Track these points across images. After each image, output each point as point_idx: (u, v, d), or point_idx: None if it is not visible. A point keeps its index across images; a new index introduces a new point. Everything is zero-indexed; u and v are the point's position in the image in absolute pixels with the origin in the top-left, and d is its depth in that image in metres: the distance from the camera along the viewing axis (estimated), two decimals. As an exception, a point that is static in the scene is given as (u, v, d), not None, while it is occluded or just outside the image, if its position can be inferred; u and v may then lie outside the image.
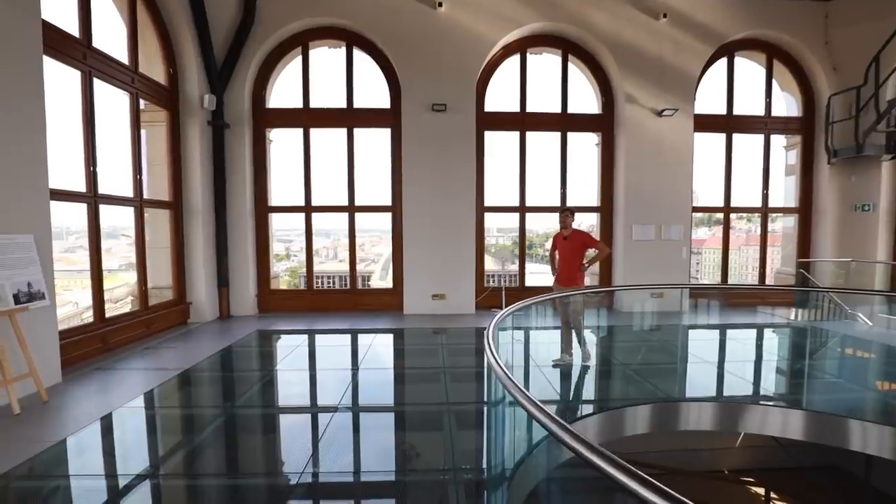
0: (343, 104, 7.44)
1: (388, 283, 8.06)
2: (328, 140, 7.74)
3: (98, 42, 5.01)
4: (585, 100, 8.13)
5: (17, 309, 3.53)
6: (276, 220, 7.97)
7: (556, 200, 7.89)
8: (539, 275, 8.59)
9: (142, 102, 6.11)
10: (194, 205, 6.68)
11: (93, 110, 4.93)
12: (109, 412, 3.50)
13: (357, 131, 7.51)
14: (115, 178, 5.58)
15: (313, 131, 7.53)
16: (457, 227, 7.26)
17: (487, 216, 7.76)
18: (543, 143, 8.32)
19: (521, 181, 7.76)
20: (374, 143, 7.76)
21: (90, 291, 5.00)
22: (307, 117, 7.46)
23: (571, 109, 7.82)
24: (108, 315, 5.17)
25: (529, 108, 7.72)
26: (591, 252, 4.72)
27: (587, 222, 9.92)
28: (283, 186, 7.97)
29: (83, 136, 4.87)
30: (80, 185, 4.86)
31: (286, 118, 7.51)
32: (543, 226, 12.35)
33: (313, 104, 7.47)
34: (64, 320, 5.13)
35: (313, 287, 7.76)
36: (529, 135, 7.75)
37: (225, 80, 6.95)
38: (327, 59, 7.63)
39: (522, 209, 7.81)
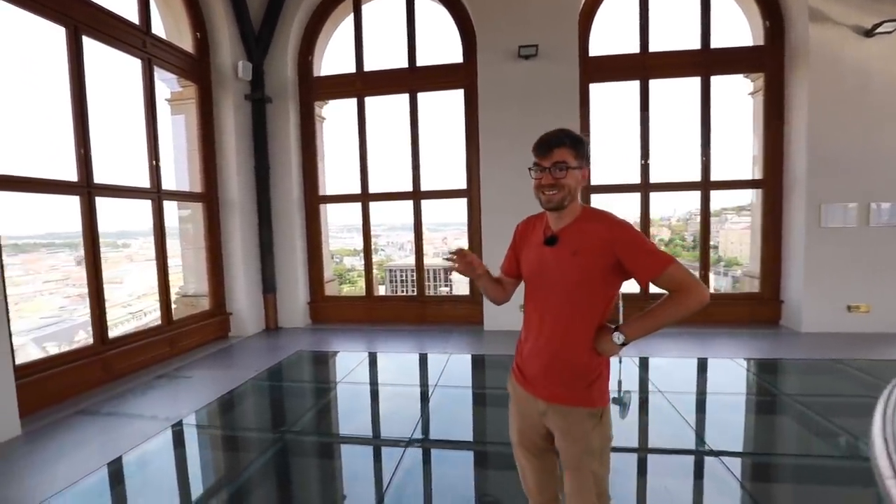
0: (404, 63, 5.89)
1: (466, 290, 6.42)
2: (387, 110, 6.26)
3: (90, -9, 3.93)
4: (735, 29, 5.75)
5: (-85, 347, 2.42)
6: (331, 212, 6.71)
7: (694, 174, 5.64)
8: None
9: (167, 74, 5.08)
10: (231, 196, 5.57)
11: (82, 75, 3.86)
12: (55, 494, 2.27)
13: (422, 97, 5.92)
14: (127, 165, 4.56)
15: (369, 101, 6.08)
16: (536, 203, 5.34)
17: (596, 198, 5.73)
18: (672, 96, 6.09)
19: (643, 149, 5.62)
20: (444, 110, 6.15)
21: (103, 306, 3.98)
22: (361, 83, 6.02)
23: (716, 43, 5.51)
24: (113, 335, 4.13)
25: (654, 47, 5.55)
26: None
27: (733, 200, 7.47)
28: (338, 171, 6.68)
29: (73, 114, 3.82)
30: (72, 174, 3.83)
31: (337, 87, 6.15)
32: (678, 207, 9.99)
33: (368, 67, 6.02)
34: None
35: (373, 293, 6.36)
36: (654, 85, 5.58)
37: (264, 44, 5.74)
38: (383, 11, 6.12)
39: (645, 187, 5.66)
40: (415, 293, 6.23)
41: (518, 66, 5.32)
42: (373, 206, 6.24)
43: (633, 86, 5.60)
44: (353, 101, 6.09)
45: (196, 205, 5.44)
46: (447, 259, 1.56)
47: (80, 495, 2.42)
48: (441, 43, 6.11)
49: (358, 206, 6.22)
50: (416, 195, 6.01)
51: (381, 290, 10.85)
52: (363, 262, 6.41)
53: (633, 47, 5.58)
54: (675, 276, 1.26)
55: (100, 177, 4.01)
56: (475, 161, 5.72)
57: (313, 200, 6.28)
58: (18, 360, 3.27)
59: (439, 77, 5.86)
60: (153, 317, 5.08)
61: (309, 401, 3.73)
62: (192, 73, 5.25)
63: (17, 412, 3.07)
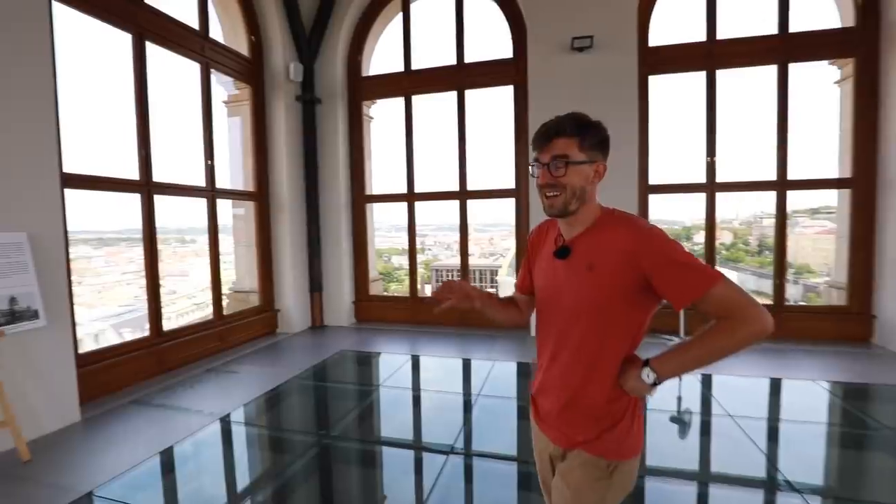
0: (452, 60, 5.77)
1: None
2: (434, 109, 6.18)
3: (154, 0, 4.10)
4: (818, 10, 5.16)
5: (-14, 334, 2.57)
6: (380, 211, 6.71)
7: (767, 172, 5.10)
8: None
9: (224, 77, 5.26)
10: (281, 195, 5.68)
11: (145, 78, 4.03)
12: (91, 491, 2.33)
13: (470, 94, 5.77)
14: (185, 166, 4.75)
15: (416, 100, 6.01)
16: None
17: (655, 200, 5.33)
18: (743, 87, 5.58)
19: (709, 146, 5.16)
20: (492, 107, 5.96)
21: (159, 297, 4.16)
22: (408, 82, 5.97)
23: (796, 27, 4.96)
24: (179, 323, 4.30)
25: (722, 34, 5.08)
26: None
27: (806, 202, 6.92)
28: (384, 171, 6.67)
29: (136, 116, 3.99)
30: (134, 173, 4.01)
31: (385, 87, 6.12)
32: (742, 209, 9.24)
33: (416, 65, 5.95)
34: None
35: (417, 294, 6.28)
36: (722, 76, 5.11)
37: (315, 46, 5.82)
38: (432, 8, 6.03)
39: (711, 186, 5.20)
40: (459, 295, 6.08)
41: (571, 60, 5.05)
42: (419, 205, 6.16)
43: (698, 77, 5.15)
44: (400, 101, 6.05)
45: (249, 203, 5.59)
46: (430, 300, 1.31)
47: (131, 483, 2.48)
48: (490, 38, 5.94)
49: (404, 205, 6.17)
50: (463, 195, 5.86)
51: (427, 290, 10.79)
52: (409, 261, 6.35)
53: (699, 35, 5.14)
54: (724, 298, 0.96)
55: (160, 175, 4.18)
56: (524, 160, 5.50)
57: (360, 200, 6.29)
58: (99, 344, 3.44)
59: (488, 73, 5.69)
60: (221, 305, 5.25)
61: (350, 402, 3.68)
62: (247, 76, 5.40)
63: (78, 399, 3.22)
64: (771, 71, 5.02)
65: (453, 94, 5.79)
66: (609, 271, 1.05)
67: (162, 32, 4.20)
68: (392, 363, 4.56)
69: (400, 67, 5.99)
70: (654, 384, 1.05)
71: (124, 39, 3.83)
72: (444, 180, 6.04)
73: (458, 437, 2.92)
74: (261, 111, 5.58)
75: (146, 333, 4.14)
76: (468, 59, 5.72)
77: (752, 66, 5.10)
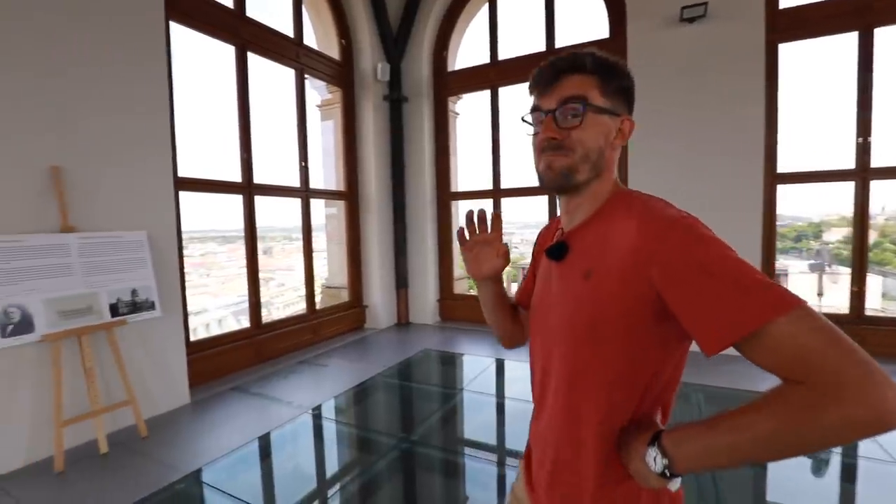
0: (541, 47, 5.43)
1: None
2: (522, 100, 5.87)
3: (254, 13, 4.37)
4: None
5: (112, 322, 2.88)
6: (462, 209, 6.60)
7: (948, 153, 4.03)
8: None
9: (318, 82, 5.49)
10: (369, 194, 5.81)
11: (247, 86, 4.30)
12: (207, 464, 2.50)
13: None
14: (282, 167, 5.03)
15: (503, 92, 5.77)
16: (727, 208, 4.32)
17: (785, 191, 4.50)
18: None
19: (861, 124, 4.22)
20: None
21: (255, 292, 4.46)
22: (495, 74, 5.75)
23: None
24: (265, 321, 4.57)
25: (884, -16, 4.11)
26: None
27: None
28: (469, 168, 6.53)
29: (239, 122, 4.29)
30: (236, 176, 4.32)
31: (471, 80, 5.96)
32: (889, 200, 7.73)
33: (503, 55, 5.70)
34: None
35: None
36: (882, 35, 4.15)
37: (401, 45, 5.85)
38: (521, -6, 5.73)
39: (863, 173, 4.26)
40: (547, 296, 5.74)
41: (679, 33, 4.45)
42: (505, 202, 5.92)
43: (848, 40, 4.24)
44: (486, 94, 5.85)
45: (340, 203, 5.80)
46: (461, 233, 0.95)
47: (230, 466, 2.63)
48: (583, 19, 5.50)
49: (490, 202, 5.97)
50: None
51: (514, 289, 10.45)
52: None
53: (850, -11, 4.22)
54: (796, 345, 0.54)
55: (259, 177, 4.46)
56: (626, 148, 4.99)
57: (444, 197, 6.22)
58: (218, 330, 3.77)
59: (581, 57, 5.25)
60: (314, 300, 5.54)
61: (434, 404, 3.58)
62: (338, 79, 5.58)
63: (188, 383, 3.52)
64: (955, 24, 3.96)
65: (542, 83, 5.44)
66: (610, 280, 0.68)
67: (261, 42, 4.46)
68: (476, 365, 4.40)
69: (485, 59, 5.79)
70: (664, 475, 0.64)
71: (228, 51, 4.12)
72: (531, 175, 5.72)
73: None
74: (350, 112, 5.74)
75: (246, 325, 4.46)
76: (559, 43, 5.34)
77: (925, 21, 4.07)
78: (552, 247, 0.81)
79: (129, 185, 3.13)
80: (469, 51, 6.16)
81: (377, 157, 5.79)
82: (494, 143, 5.83)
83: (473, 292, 6.81)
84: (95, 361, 2.86)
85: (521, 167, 6.10)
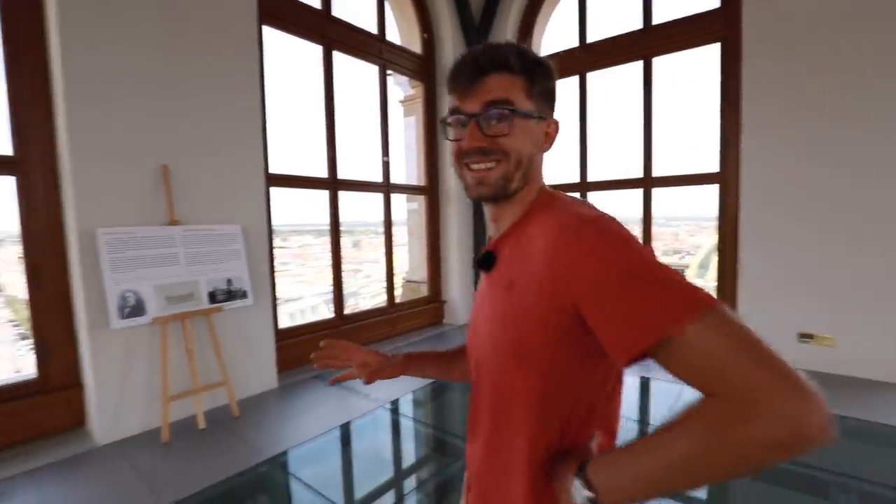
0: (637, 25, 4.93)
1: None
2: (612, 86, 5.42)
3: (338, 11, 4.48)
4: None
5: (210, 309, 3.11)
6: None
7: None
8: None
9: (401, 78, 5.55)
10: (449, 189, 5.76)
11: (332, 84, 4.44)
12: (286, 450, 2.63)
13: (658, 62, 4.86)
14: (365, 163, 5.15)
15: (591, 77, 5.36)
16: (878, 205, 3.56)
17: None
18: None
19: None
20: (686, 76, 4.90)
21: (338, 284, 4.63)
22: (583, 58, 5.34)
23: None
24: (345, 312, 4.72)
25: None
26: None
27: None
28: (553, 159, 6.19)
29: (325, 119, 4.44)
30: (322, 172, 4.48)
31: (556, 67, 5.61)
32: None
33: (592, 38, 5.29)
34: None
35: (587, 294, 5.65)
36: None
37: (483, 35, 5.69)
38: (615, -32, 5.26)
39: None
40: (638, 299, 5.25)
41: (810, -6, 3.74)
42: (591, 195, 5.51)
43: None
44: (573, 80, 5.47)
45: (421, 198, 5.82)
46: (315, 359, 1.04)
47: (312, 452, 2.73)
48: (688, -10, 4.89)
49: (577, 195, 5.58)
50: (647, 182, 5.00)
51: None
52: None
53: None
54: (706, 353, 0.48)
55: (344, 173, 4.60)
56: (734, 135, 4.36)
57: (526, 191, 5.96)
58: (312, 316, 3.99)
59: (684, 33, 4.67)
60: (396, 293, 5.66)
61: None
62: (420, 73, 5.58)
63: (276, 369, 3.73)
64: None
65: (636, 66, 4.95)
66: (528, 294, 0.64)
67: (346, 41, 4.57)
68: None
69: (573, 43, 5.41)
70: None
71: (315, 51, 4.28)
72: (621, 167, 5.27)
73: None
74: (432, 106, 5.72)
75: (332, 315, 4.64)
76: (657, 19, 4.81)
77: None
78: (480, 257, 0.78)
79: (226, 181, 3.36)
80: (554, 36, 5.82)
81: (458, 150, 5.70)
82: (582, 132, 5.44)
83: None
84: (195, 344, 3.12)
85: (609, 158, 5.64)
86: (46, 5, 2.69)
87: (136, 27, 2.88)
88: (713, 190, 4.64)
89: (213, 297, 3.14)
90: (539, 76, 0.73)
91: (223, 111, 3.34)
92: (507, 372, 0.68)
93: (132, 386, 2.92)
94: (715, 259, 4.78)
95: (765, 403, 0.44)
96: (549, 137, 0.77)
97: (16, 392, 2.75)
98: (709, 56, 4.56)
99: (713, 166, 4.60)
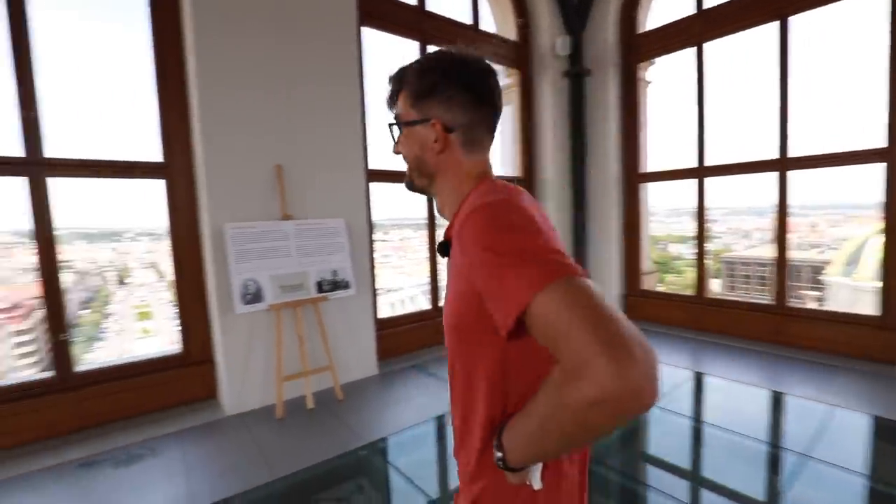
0: (770, -19, 4.23)
1: (851, 296, 4.23)
2: (736, 56, 4.72)
3: (432, 5, 4.50)
4: None
5: (318, 298, 3.33)
6: (654, 192, 5.75)
7: None
8: None
9: (496, 67, 5.43)
10: (546, 178, 5.52)
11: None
12: (384, 437, 2.75)
13: (796, 21, 4.13)
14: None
15: (709, 48, 4.74)
16: None
17: None
18: None
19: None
20: (833, 38, 4.10)
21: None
22: (701, 25, 4.74)
23: None
24: (440, 304, 4.76)
25: None
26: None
27: None
28: (663, 144, 5.62)
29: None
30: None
31: (667, 39, 5.06)
32: None
33: (710, 2, 4.66)
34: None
35: (704, 293, 5.06)
36: None
37: (584, 13, 5.34)
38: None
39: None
40: (768, 299, 4.56)
41: None
42: (710, 181, 4.90)
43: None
44: (688, 53, 4.89)
45: (514, 189, 5.67)
46: None
47: (400, 443, 2.79)
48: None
49: (688, 183, 5.01)
50: (783, 164, 4.29)
51: (715, 286, 8.85)
52: (696, 251, 5.13)
53: None
54: (548, 322, 0.53)
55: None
56: (903, 101, 3.55)
57: (632, 179, 5.50)
58: (412, 306, 4.15)
59: (836, -18, 3.90)
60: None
61: (608, 413, 3.18)
62: (516, 61, 5.41)
63: (376, 357, 3.89)
64: None
65: (768, 28, 4.25)
66: (457, 278, 0.71)
67: (441, 35, 4.58)
68: (668, 378, 3.74)
69: (688, 10, 4.82)
70: (507, 468, 0.66)
71: (412, 46, 4.34)
72: (740, 150, 4.58)
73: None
74: (527, 94, 5.52)
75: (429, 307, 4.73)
76: (799, -30, 4.07)
77: None
78: (439, 244, 0.84)
79: (330, 177, 3.56)
80: (666, 4, 5.24)
81: (555, 138, 5.44)
82: (700, 112, 4.84)
83: (664, 288, 5.91)
84: (305, 330, 3.37)
85: (728, 140, 4.93)
86: (183, 6, 3.05)
87: (254, 24, 3.15)
88: (874, 170, 3.83)
89: (320, 286, 3.36)
90: (415, 82, 0.79)
91: (328, 111, 3.54)
92: (453, 349, 0.77)
93: (253, 365, 3.24)
94: (871, 253, 3.95)
95: (590, 367, 0.48)
96: (438, 137, 0.80)
97: (165, 364, 3.22)
98: (870, 5, 3.76)
99: (876, 141, 3.79)
